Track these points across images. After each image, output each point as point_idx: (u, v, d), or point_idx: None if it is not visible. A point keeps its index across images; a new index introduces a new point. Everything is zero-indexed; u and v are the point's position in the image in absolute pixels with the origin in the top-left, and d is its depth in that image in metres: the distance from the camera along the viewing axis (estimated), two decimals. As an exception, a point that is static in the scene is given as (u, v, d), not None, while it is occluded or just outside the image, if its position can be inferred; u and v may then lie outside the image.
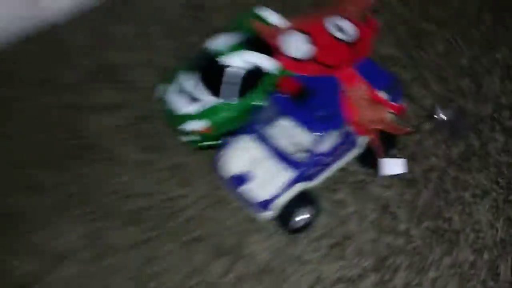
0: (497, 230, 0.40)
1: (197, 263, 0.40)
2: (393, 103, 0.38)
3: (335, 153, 0.37)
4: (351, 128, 0.37)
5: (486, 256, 0.39)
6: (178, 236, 0.41)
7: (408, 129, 0.40)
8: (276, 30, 0.40)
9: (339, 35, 0.39)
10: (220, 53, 0.39)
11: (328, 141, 0.36)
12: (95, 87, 0.49)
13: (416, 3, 0.54)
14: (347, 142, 0.38)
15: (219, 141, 0.41)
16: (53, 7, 0.52)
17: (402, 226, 0.40)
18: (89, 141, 0.46)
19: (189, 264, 0.40)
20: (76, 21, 0.54)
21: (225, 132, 0.41)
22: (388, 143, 0.39)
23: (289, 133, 0.37)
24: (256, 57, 0.39)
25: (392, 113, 0.38)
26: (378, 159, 0.37)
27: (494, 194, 0.41)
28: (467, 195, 0.41)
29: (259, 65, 0.39)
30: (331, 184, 0.42)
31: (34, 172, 0.44)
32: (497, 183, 0.42)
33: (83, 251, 0.40)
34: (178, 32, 0.53)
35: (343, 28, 0.40)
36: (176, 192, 0.43)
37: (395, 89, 0.39)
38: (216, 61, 0.39)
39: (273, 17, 0.42)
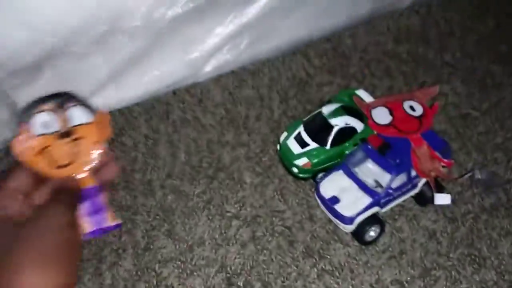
0: (515, 260, 0.51)
1: (291, 259, 0.52)
2: (444, 159, 0.52)
3: (401, 190, 0.52)
4: (414, 174, 0.51)
5: (506, 277, 0.49)
6: (279, 238, 0.54)
7: (454, 176, 0.53)
8: (369, 104, 0.57)
9: (410, 112, 0.55)
10: (329, 116, 0.56)
11: (397, 181, 0.51)
12: (228, 129, 0.66)
13: (464, 95, 0.69)
14: (410, 184, 0.52)
15: (311, 175, 0.58)
16: (203, 70, 0.74)
17: (444, 250, 0.52)
18: (221, 165, 0.62)
19: (285, 259, 0.52)
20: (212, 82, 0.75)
21: (321, 169, 0.57)
22: (439, 189, 0.54)
23: (372, 172, 0.52)
24: (352, 120, 0.56)
25: (444, 166, 0.52)
26: (434, 193, 0.51)
27: (514, 235, 0.53)
28: (494, 233, 0.53)
29: (353, 125, 0.56)
30: (393, 214, 0.55)
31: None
32: (517, 227, 0.53)
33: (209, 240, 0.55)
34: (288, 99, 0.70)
35: (414, 107, 0.55)
36: (280, 207, 0.57)
37: (446, 151, 0.54)
38: (326, 120, 0.56)
39: (365, 96, 0.59)
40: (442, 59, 0.76)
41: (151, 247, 0.54)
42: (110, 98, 0.68)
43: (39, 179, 0.37)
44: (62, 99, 0.39)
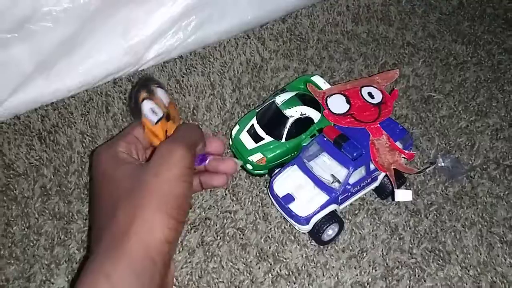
0: (480, 253, 0.48)
1: (243, 265, 0.48)
2: (405, 151, 0.48)
3: (360, 185, 0.48)
4: (374, 167, 0.47)
5: (471, 272, 0.47)
6: (231, 242, 0.49)
7: (415, 170, 0.50)
8: (324, 92, 0.52)
9: (369, 99, 0.51)
10: (283, 106, 0.51)
11: (356, 175, 0.47)
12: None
13: (426, 76, 0.65)
14: (369, 177, 0.48)
15: (267, 171, 0.54)
16: (145, 57, 0.66)
17: (406, 246, 0.49)
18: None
19: (237, 265, 0.48)
20: (157, 69, 0.68)
21: (277, 164, 0.52)
22: (399, 179, 0.50)
23: (328, 166, 0.48)
24: (308, 110, 0.51)
25: (404, 158, 0.48)
26: (394, 190, 0.47)
27: (479, 225, 0.50)
28: (458, 225, 0.50)
29: (309, 116, 0.51)
30: (353, 209, 0.51)
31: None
32: (482, 217, 0.50)
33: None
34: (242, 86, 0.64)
35: (373, 94, 0.51)
36: (232, 207, 0.52)
37: (407, 141, 0.50)
38: (280, 111, 0.51)
39: (321, 82, 0.54)
40: (404, 39, 0.72)
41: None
42: (41, 92, 0.61)
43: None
44: (147, 83, 0.39)
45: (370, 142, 0.47)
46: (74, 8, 0.56)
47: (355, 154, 0.46)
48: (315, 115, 0.52)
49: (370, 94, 0.52)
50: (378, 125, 0.49)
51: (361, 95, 0.52)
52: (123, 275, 0.30)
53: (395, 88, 0.54)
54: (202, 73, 0.67)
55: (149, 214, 0.33)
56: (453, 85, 0.65)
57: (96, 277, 0.30)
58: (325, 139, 0.48)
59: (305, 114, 0.52)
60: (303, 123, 0.52)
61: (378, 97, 0.52)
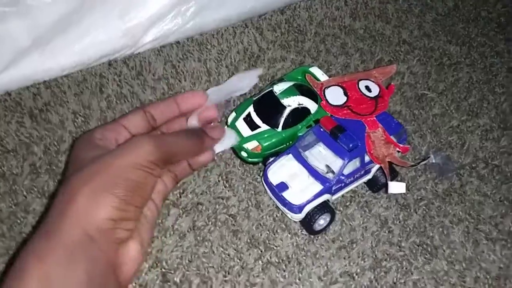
0: (466, 249, 0.49)
1: (234, 251, 0.48)
2: (400, 144, 0.49)
3: (354, 176, 0.48)
4: (368, 159, 0.48)
5: (457, 267, 0.48)
6: (222, 227, 0.49)
7: (409, 163, 0.50)
8: (322, 83, 0.53)
9: (366, 92, 0.51)
10: (281, 95, 0.51)
11: (350, 167, 0.47)
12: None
13: (420, 74, 0.66)
14: (363, 169, 0.49)
15: (262, 159, 0.54)
16: (142, 40, 0.65)
17: (395, 239, 0.49)
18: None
19: (228, 250, 0.48)
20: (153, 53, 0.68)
21: (272, 152, 0.52)
22: (392, 173, 0.51)
23: (323, 157, 0.48)
24: (305, 100, 0.51)
25: (398, 151, 0.49)
26: (388, 182, 0.47)
27: (466, 222, 0.51)
28: (446, 221, 0.51)
29: (306, 106, 0.51)
30: (345, 201, 0.52)
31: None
32: (470, 214, 0.51)
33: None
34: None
35: (370, 87, 0.52)
36: (224, 194, 0.52)
37: (402, 135, 0.51)
38: (277, 100, 0.51)
39: (319, 74, 0.55)
40: (400, 36, 0.73)
41: (77, 239, 0.48)
42: (33, 68, 0.60)
43: (155, 124, 0.41)
44: None
45: (366, 134, 0.48)
46: (73, -16, 0.55)
47: (351, 145, 0.46)
48: (312, 105, 0.52)
49: (367, 88, 0.52)
50: (375, 118, 0.49)
51: (359, 88, 0.52)
52: (55, 253, 0.30)
53: (392, 83, 0.54)
54: (198, 59, 0.66)
55: (93, 193, 0.32)
56: (446, 84, 0.66)
57: (26, 259, 0.30)
58: (321, 129, 0.49)
59: (302, 104, 0.52)
60: (300, 113, 0.52)
61: (375, 90, 0.52)
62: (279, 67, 0.67)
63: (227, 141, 0.47)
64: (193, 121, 0.43)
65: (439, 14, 0.77)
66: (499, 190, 0.54)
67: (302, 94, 0.52)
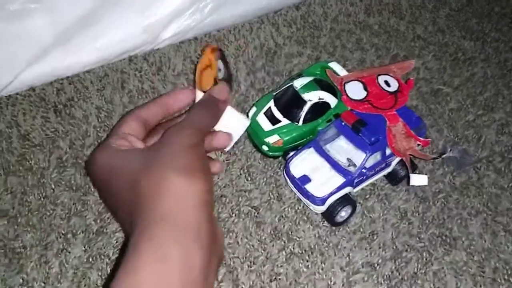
0: (485, 240, 0.50)
1: (258, 242, 0.49)
2: (420, 138, 0.50)
3: (374, 169, 0.49)
4: (389, 152, 0.49)
5: (476, 257, 0.49)
6: (246, 219, 0.50)
7: (430, 156, 0.52)
8: (342, 78, 0.54)
9: (385, 87, 0.52)
10: (301, 90, 0.52)
11: (371, 160, 0.48)
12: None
13: (436, 70, 0.67)
14: (384, 163, 0.50)
15: (282, 153, 0.55)
16: (162, 36, 0.67)
17: (415, 231, 0.50)
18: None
19: (252, 241, 0.49)
20: (172, 49, 0.69)
21: (292, 146, 0.53)
22: (412, 167, 0.52)
23: (344, 150, 0.49)
24: (325, 95, 0.52)
25: (419, 145, 0.50)
26: (410, 174, 0.48)
27: (484, 214, 0.52)
28: (464, 213, 0.52)
29: (326, 100, 0.52)
30: (365, 193, 0.53)
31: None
32: (488, 207, 0.52)
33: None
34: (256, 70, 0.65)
35: (389, 82, 0.53)
36: (247, 187, 0.53)
37: (422, 129, 0.52)
38: (298, 95, 0.52)
39: (338, 69, 0.56)
40: (414, 32, 0.73)
41: (105, 230, 0.49)
42: (57, 65, 0.61)
43: (149, 127, 0.40)
44: None
45: (387, 128, 0.49)
46: (96, -18, 0.56)
47: (372, 139, 0.47)
48: (332, 100, 0.53)
49: (386, 83, 0.53)
50: (395, 112, 0.50)
51: (378, 83, 0.53)
52: (165, 231, 0.30)
53: (410, 78, 0.55)
54: (216, 55, 0.67)
55: (183, 175, 0.32)
56: (461, 79, 0.67)
57: (138, 242, 0.30)
58: (343, 123, 0.50)
59: (322, 99, 0.53)
60: (320, 107, 0.53)
61: (394, 85, 0.53)
62: (296, 62, 0.68)
63: (237, 126, 0.43)
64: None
65: (453, 10, 0.78)
66: (516, 183, 0.55)
67: (322, 89, 0.53)
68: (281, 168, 0.55)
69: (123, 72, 0.63)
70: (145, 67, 0.64)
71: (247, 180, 0.54)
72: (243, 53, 0.68)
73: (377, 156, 0.49)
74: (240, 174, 0.54)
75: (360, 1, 0.77)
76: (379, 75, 0.54)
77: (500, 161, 0.57)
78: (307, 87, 0.53)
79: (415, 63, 0.68)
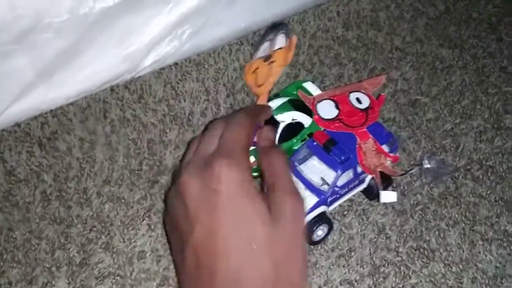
0: (463, 251, 0.50)
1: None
2: (391, 154, 0.51)
3: (348, 187, 0.50)
4: (361, 169, 0.49)
5: (454, 269, 0.49)
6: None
7: (399, 172, 0.52)
8: (314, 98, 0.55)
9: (357, 104, 0.53)
10: (275, 111, 0.53)
11: (344, 178, 0.49)
12: (171, 127, 0.62)
13: (414, 80, 0.68)
14: (357, 180, 0.50)
15: (259, 174, 0.56)
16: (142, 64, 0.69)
17: (393, 245, 0.51)
18: (163, 167, 0.58)
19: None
20: (153, 76, 0.71)
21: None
22: (386, 181, 0.53)
23: (318, 169, 0.50)
24: (299, 115, 0.53)
25: (390, 161, 0.51)
26: (379, 191, 0.49)
27: (462, 224, 0.52)
28: (442, 224, 0.52)
29: (300, 121, 0.53)
30: (342, 210, 0.53)
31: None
32: (466, 216, 0.53)
33: (150, 251, 0.53)
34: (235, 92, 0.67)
35: (361, 99, 0.54)
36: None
37: (393, 144, 0.52)
38: (272, 117, 0.53)
39: (312, 88, 0.57)
40: (392, 43, 0.74)
41: (88, 262, 0.50)
42: (41, 100, 0.63)
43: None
44: (278, 28, 0.50)
45: (357, 145, 0.49)
46: (74, 19, 0.58)
47: (343, 158, 0.48)
48: (306, 120, 0.54)
49: (358, 100, 0.54)
50: (365, 129, 0.51)
51: (349, 100, 0.54)
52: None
53: (382, 94, 0.56)
54: (197, 79, 0.69)
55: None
56: (439, 88, 0.67)
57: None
58: (315, 143, 0.51)
59: (295, 119, 0.54)
60: (294, 127, 0.54)
61: (365, 102, 0.54)
62: (275, 82, 0.69)
63: None
64: None
65: (431, 18, 0.79)
66: (494, 191, 0.56)
67: (296, 109, 0.54)
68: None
69: (105, 102, 0.65)
70: (126, 95, 0.66)
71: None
72: (223, 76, 0.70)
73: (349, 174, 0.50)
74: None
75: (338, 16, 0.78)
76: (351, 92, 0.55)
77: (478, 169, 0.58)
78: (281, 108, 0.54)
79: (393, 75, 0.69)
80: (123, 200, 0.55)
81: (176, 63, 0.71)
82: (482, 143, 0.60)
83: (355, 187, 0.52)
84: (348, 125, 0.52)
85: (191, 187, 0.35)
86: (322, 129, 0.52)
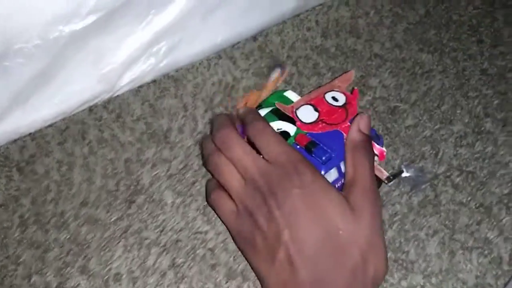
0: (443, 261, 0.49)
1: (213, 285, 0.50)
2: (377, 146, 0.51)
3: (335, 186, 0.49)
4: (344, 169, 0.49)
5: (433, 280, 0.48)
6: (200, 263, 0.51)
7: (386, 174, 0.51)
8: (292, 106, 0.56)
9: (334, 103, 0.55)
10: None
11: (329, 177, 0.49)
12: (149, 145, 0.62)
13: (393, 87, 0.68)
14: (342, 178, 0.50)
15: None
16: (119, 83, 0.69)
17: (373, 257, 0.52)
18: (140, 187, 0.58)
19: (207, 285, 0.49)
20: (131, 94, 0.71)
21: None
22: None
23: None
24: (284, 124, 0.54)
25: (377, 158, 0.51)
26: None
27: (442, 233, 0.51)
28: (422, 233, 0.51)
29: (285, 130, 0.54)
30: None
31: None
32: (445, 225, 0.52)
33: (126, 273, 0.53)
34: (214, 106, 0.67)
35: (336, 97, 0.55)
36: (203, 228, 0.54)
37: (378, 139, 0.53)
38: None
39: (294, 96, 0.58)
40: (371, 50, 0.74)
41: (64, 286, 0.50)
42: (18, 124, 0.63)
43: None
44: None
45: (345, 140, 0.51)
46: (44, 43, 0.58)
47: (324, 158, 0.49)
48: (291, 128, 0.55)
49: (334, 98, 0.55)
50: (349, 124, 0.52)
51: (326, 100, 0.55)
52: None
53: (355, 88, 0.57)
54: (175, 95, 0.69)
55: None
56: (418, 94, 0.67)
57: None
58: (298, 147, 0.52)
59: (281, 129, 0.54)
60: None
61: (341, 99, 0.55)
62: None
63: None
64: None
65: (411, 23, 0.78)
66: (474, 197, 0.55)
67: (280, 119, 0.55)
68: (237, 205, 0.55)
69: (84, 123, 0.65)
70: (105, 115, 0.66)
71: (203, 221, 0.54)
72: (201, 91, 0.69)
73: (334, 173, 0.50)
74: (196, 216, 0.55)
75: (317, 25, 0.78)
76: (326, 93, 0.56)
77: (458, 175, 0.57)
78: (266, 119, 0.55)
79: (372, 82, 0.69)
80: (100, 222, 0.55)
81: (154, 80, 0.71)
82: (462, 148, 0.60)
83: (341, 186, 0.51)
84: (331, 123, 0.52)
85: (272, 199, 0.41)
86: (306, 132, 0.53)
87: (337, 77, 0.61)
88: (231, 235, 0.48)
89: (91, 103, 0.67)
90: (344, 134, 0.51)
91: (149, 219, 0.54)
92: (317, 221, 0.39)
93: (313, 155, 0.49)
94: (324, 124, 0.53)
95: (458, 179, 0.56)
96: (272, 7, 0.78)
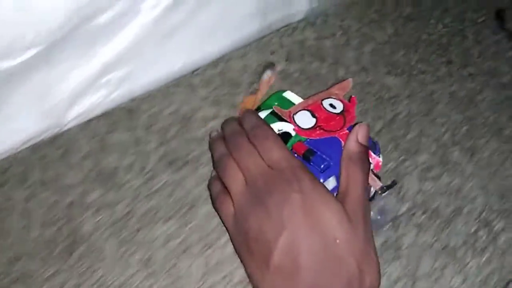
0: (403, 313, 0.47)
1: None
2: (373, 154, 0.50)
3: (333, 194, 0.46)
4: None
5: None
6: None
7: (380, 185, 0.49)
8: (289, 111, 0.54)
9: (331, 110, 0.53)
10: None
11: (328, 185, 0.47)
12: (94, 187, 0.58)
13: (358, 113, 0.60)
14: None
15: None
16: (66, 118, 0.65)
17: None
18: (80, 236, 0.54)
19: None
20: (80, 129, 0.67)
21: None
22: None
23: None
24: (284, 125, 0.52)
25: (373, 167, 0.49)
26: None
27: (404, 280, 0.48)
28: (382, 281, 0.47)
29: (286, 131, 0.52)
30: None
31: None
32: (409, 270, 0.48)
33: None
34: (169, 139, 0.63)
35: (334, 104, 0.54)
36: (144, 284, 0.50)
37: (375, 148, 0.52)
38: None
39: (293, 98, 0.56)
40: (336, 74, 0.70)
41: None
42: (-43, 164, 0.59)
43: None
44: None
45: (342, 148, 0.49)
46: (-23, 81, 0.54)
47: (322, 166, 0.47)
48: (291, 128, 0.53)
49: (331, 105, 0.54)
50: (347, 131, 0.51)
51: (324, 107, 0.54)
52: None
53: (353, 96, 0.55)
54: (128, 128, 0.65)
55: None
56: (384, 121, 0.63)
57: None
58: (295, 155, 0.50)
59: (282, 130, 0.52)
60: (282, 138, 0.51)
61: (339, 106, 0.54)
62: (211, 125, 0.65)
63: None
64: None
65: (379, 44, 0.75)
66: (439, 238, 0.51)
67: (281, 120, 0.53)
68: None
69: (27, 162, 0.61)
70: (50, 153, 0.62)
71: (144, 276, 0.50)
72: (157, 122, 0.66)
73: (333, 181, 0.48)
74: (139, 269, 0.51)
75: (281, 48, 0.75)
76: (323, 99, 0.55)
77: (422, 213, 0.53)
78: (266, 121, 0.53)
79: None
80: (32, 278, 0.50)
81: (107, 112, 0.67)
82: (427, 182, 0.56)
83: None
84: (329, 130, 0.51)
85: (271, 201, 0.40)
86: (305, 138, 0.51)
87: (334, 85, 0.60)
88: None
89: (37, 140, 0.63)
90: (342, 142, 0.50)
91: (88, 273, 0.50)
92: (314, 228, 0.37)
93: (312, 163, 0.48)
94: (321, 130, 0.52)
95: (421, 218, 0.53)
96: (234, 30, 0.74)
